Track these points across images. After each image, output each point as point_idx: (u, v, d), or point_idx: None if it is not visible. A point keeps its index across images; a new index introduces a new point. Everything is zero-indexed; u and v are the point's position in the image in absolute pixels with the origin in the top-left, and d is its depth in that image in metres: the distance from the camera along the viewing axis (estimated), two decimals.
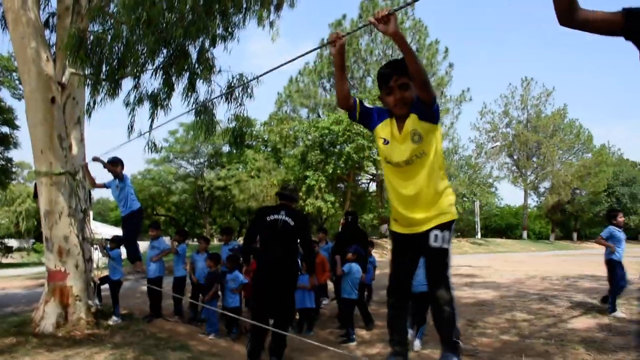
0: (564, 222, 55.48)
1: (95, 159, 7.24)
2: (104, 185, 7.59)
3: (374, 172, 28.71)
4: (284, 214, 5.53)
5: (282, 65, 3.61)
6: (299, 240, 5.71)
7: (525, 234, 47.80)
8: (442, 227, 2.90)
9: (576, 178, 44.37)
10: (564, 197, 45.17)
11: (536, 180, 47.86)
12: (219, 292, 7.47)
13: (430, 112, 2.75)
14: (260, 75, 5.77)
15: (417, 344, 6.02)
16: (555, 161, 45.02)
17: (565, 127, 45.98)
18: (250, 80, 7.86)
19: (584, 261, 21.73)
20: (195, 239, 46.01)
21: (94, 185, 7.69)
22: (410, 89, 2.78)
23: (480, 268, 18.09)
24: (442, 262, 2.92)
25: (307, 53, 3.56)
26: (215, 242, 33.44)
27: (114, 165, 7.22)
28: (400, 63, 2.77)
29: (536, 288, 11.88)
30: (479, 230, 47.25)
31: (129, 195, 7.29)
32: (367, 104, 3.07)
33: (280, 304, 5.48)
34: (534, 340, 6.34)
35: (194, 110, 7.91)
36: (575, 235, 52.32)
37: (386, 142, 2.92)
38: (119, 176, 7.26)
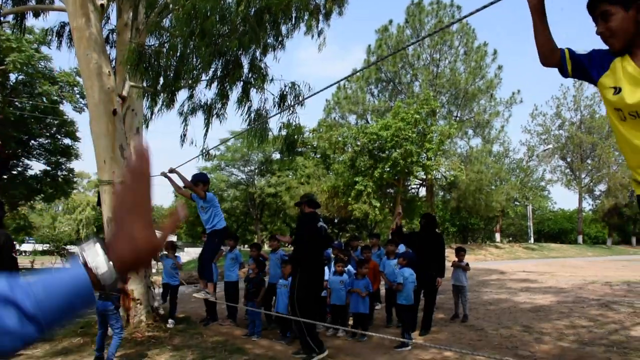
0: (622, 226, 53.32)
1: (172, 171, 6.67)
2: (190, 196, 6.87)
3: (424, 177, 28.40)
4: (322, 221, 6.23)
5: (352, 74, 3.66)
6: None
7: (580, 238, 46.26)
8: None
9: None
10: (622, 200, 43.36)
11: (591, 183, 46.26)
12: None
13: None
14: (330, 86, 5.90)
15: None
16: (611, 163, 43.35)
17: None
18: (316, 93, 8.00)
19: None
20: (245, 245, 46.74)
21: (180, 192, 7.03)
22: (613, 17, 2.17)
23: (539, 273, 17.64)
24: None
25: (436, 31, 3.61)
26: (266, 247, 33.91)
27: (195, 185, 6.48)
28: None
29: (596, 294, 11.51)
30: (531, 234, 45.99)
31: (215, 216, 6.58)
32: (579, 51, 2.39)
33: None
34: (594, 348, 6.15)
35: (248, 120, 8.11)
36: (634, 239, 50.23)
37: (617, 90, 2.24)
38: (202, 196, 6.46)
